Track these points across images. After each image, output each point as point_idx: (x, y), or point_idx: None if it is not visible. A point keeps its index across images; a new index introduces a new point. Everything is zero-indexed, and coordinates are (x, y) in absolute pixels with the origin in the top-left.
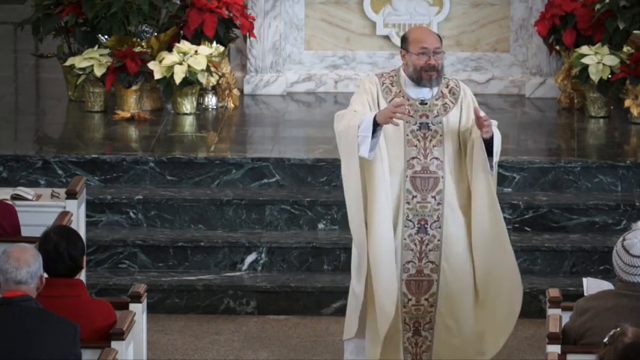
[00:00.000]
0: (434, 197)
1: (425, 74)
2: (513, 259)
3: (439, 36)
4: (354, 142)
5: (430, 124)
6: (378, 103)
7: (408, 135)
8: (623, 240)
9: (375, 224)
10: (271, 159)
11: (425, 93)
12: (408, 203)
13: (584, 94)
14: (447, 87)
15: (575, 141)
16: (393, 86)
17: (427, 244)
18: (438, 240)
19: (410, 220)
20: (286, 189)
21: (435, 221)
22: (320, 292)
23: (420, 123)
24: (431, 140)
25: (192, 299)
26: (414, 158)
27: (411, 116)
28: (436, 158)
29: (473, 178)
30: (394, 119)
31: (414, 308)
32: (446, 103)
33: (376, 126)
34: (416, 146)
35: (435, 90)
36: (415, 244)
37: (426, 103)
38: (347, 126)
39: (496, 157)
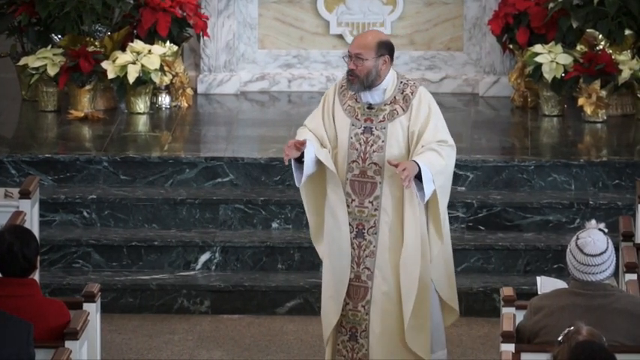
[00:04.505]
0: (371, 202)
1: (349, 78)
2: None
3: (383, 42)
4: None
5: (374, 129)
6: (333, 108)
7: (352, 138)
8: (577, 239)
9: (328, 229)
10: (225, 158)
11: (376, 97)
12: (348, 206)
13: (537, 92)
14: (402, 93)
15: (529, 139)
16: (349, 89)
17: (364, 250)
18: (374, 246)
19: (349, 224)
20: (240, 188)
21: (371, 227)
22: (274, 292)
23: (365, 127)
24: (372, 145)
25: (146, 299)
26: (354, 162)
27: (358, 119)
28: (375, 163)
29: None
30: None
31: (350, 313)
32: (395, 109)
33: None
34: (357, 149)
35: (388, 94)
36: (353, 249)
37: (373, 108)
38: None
39: (432, 185)
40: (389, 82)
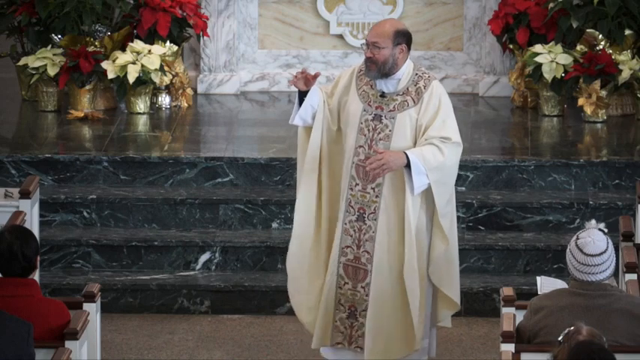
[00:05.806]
0: (373, 189)
1: (367, 66)
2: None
3: (400, 31)
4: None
5: (383, 117)
6: (347, 89)
7: (362, 123)
8: (577, 239)
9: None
10: (225, 158)
11: (390, 86)
12: (351, 190)
13: (537, 92)
14: (416, 85)
15: (529, 140)
16: (366, 75)
17: (364, 233)
18: (373, 232)
19: (351, 207)
20: (240, 188)
21: (371, 212)
22: (274, 292)
23: (375, 114)
24: (379, 133)
25: (146, 299)
26: (360, 147)
27: (370, 105)
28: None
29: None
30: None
31: (350, 292)
32: (406, 101)
33: (303, 95)
34: (365, 135)
35: (402, 85)
36: (354, 231)
37: (385, 96)
38: None
39: (422, 181)
40: (404, 73)
